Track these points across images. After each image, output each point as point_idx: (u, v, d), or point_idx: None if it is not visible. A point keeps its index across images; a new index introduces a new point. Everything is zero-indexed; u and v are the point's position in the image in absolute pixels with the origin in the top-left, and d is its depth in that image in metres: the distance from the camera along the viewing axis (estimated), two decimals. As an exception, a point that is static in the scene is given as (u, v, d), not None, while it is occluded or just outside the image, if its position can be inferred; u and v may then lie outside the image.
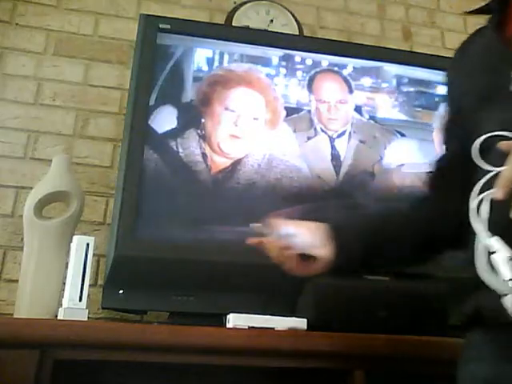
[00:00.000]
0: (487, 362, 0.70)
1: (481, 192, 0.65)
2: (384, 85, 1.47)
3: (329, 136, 1.38)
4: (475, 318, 0.70)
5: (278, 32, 1.68)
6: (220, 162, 1.30)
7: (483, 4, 0.88)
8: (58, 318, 1.08)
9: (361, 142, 1.40)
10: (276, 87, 1.40)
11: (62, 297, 1.11)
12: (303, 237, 0.85)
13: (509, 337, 0.67)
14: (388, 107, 1.46)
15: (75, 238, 1.14)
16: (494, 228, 0.64)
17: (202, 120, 1.32)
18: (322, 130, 1.38)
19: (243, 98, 1.37)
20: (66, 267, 1.15)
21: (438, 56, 1.62)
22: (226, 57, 1.41)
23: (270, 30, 1.75)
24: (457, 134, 0.87)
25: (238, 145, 1.33)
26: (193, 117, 1.32)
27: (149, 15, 1.40)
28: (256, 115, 1.36)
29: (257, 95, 1.38)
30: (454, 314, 0.77)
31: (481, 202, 0.65)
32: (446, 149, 0.95)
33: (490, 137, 0.65)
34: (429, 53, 1.71)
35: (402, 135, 1.44)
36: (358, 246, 0.86)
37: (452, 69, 0.91)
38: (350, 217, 0.96)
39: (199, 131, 1.31)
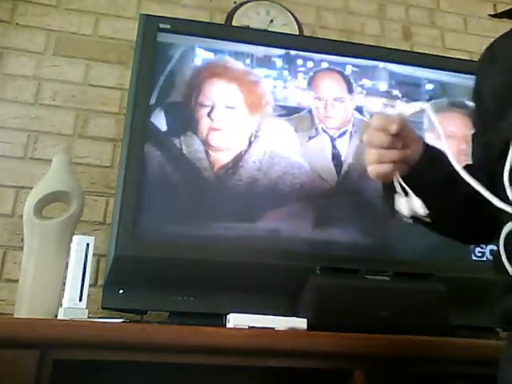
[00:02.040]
0: None
1: None
2: (384, 84, 1.47)
3: (330, 136, 1.38)
4: (507, 320, 0.70)
5: (278, 32, 1.68)
6: (217, 159, 1.29)
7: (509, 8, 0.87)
8: (58, 317, 1.08)
9: (362, 141, 1.39)
10: (262, 78, 1.40)
11: (62, 297, 1.11)
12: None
13: None
14: (388, 107, 1.46)
15: (75, 238, 1.14)
16: None
17: (192, 118, 1.32)
18: (324, 130, 1.38)
19: (215, 90, 1.36)
20: (66, 267, 1.15)
21: (438, 56, 1.63)
22: (225, 57, 1.40)
23: (270, 29, 1.75)
24: (481, 140, 0.87)
25: (221, 136, 1.32)
26: (188, 116, 1.32)
27: (149, 15, 1.39)
28: (231, 104, 1.35)
29: (230, 85, 1.37)
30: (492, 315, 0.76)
31: None
32: (472, 155, 0.93)
33: None
34: (429, 53, 1.70)
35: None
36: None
37: (481, 67, 0.89)
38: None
39: (194, 130, 1.30)
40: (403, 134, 0.80)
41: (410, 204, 0.78)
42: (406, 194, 0.79)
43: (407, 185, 0.80)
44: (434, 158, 0.84)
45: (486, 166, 0.81)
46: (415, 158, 0.82)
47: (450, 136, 1.41)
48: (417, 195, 0.80)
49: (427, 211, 0.76)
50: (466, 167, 0.81)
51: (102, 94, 1.63)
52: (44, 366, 0.88)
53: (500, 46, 0.86)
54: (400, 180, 0.79)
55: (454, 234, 0.95)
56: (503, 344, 0.75)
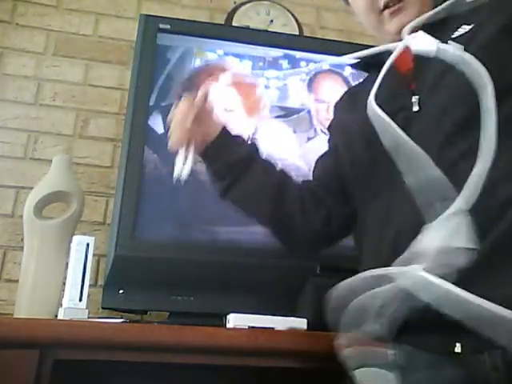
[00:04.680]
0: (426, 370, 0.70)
1: None
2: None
3: (329, 136, 1.38)
4: (403, 327, 0.69)
5: (278, 32, 1.68)
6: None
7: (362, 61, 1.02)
8: (58, 318, 1.08)
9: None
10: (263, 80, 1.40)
11: (62, 297, 1.12)
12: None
13: (435, 342, 0.67)
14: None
15: (75, 238, 1.14)
16: None
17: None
18: (322, 131, 1.38)
19: (213, 94, 1.36)
20: (66, 267, 1.15)
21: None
22: (225, 57, 1.40)
23: (270, 30, 1.75)
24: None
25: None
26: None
27: (149, 15, 1.40)
28: (229, 107, 1.35)
29: (228, 88, 1.37)
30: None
31: None
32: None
33: None
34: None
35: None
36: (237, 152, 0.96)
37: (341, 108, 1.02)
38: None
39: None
40: (204, 114, 0.94)
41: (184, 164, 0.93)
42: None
43: (204, 158, 0.97)
44: (229, 139, 0.98)
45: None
46: (212, 136, 0.96)
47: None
48: (214, 169, 0.97)
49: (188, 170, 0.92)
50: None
51: (102, 94, 1.63)
52: (44, 365, 0.88)
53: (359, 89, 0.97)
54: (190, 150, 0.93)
55: (263, 219, 1.01)
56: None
